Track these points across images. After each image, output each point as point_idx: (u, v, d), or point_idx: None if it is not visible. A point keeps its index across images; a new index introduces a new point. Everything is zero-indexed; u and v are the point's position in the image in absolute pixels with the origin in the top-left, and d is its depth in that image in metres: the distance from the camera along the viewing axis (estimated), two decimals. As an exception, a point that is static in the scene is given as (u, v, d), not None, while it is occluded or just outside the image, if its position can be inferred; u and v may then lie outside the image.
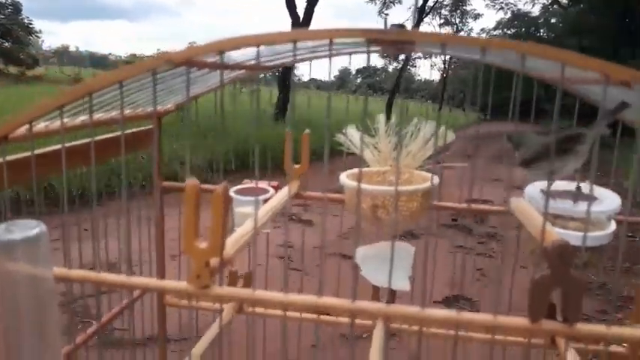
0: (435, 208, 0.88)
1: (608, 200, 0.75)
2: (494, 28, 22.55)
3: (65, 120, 0.69)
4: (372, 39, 0.52)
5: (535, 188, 0.83)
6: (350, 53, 0.65)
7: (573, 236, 0.57)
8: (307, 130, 0.91)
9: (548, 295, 0.51)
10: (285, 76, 8.68)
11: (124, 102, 0.71)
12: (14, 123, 0.64)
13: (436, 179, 0.79)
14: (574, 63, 0.50)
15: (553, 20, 20.36)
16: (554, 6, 20.20)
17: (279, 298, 0.59)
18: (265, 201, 0.87)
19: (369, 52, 0.53)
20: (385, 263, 0.73)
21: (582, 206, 0.75)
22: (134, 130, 1.01)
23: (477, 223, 3.25)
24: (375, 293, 0.88)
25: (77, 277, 0.61)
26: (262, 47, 0.54)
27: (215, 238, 0.57)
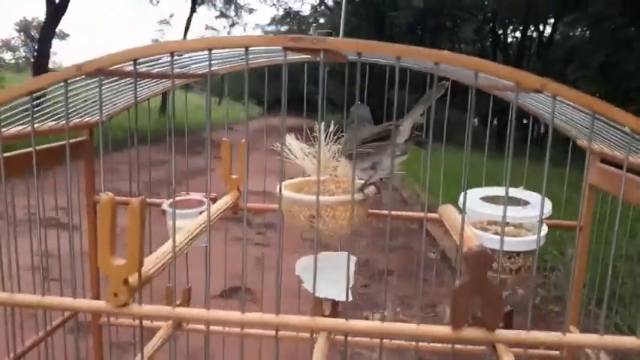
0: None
1: (539, 205, 0.76)
2: (269, 24, 22.79)
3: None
4: (288, 46, 0.52)
5: (472, 196, 0.83)
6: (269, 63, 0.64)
7: (500, 241, 0.57)
8: (244, 140, 0.90)
9: (469, 301, 0.51)
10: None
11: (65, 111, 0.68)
12: None
13: (372, 188, 0.79)
14: (487, 70, 0.50)
15: (322, 20, 20.25)
16: (322, 7, 20.61)
17: (203, 315, 0.57)
18: (201, 213, 0.85)
19: (285, 61, 0.52)
20: (325, 274, 0.72)
21: (514, 212, 0.77)
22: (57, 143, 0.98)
23: (254, 214, 3.30)
24: (318, 305, 0.87)
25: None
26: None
27: (132, 254, 0.54)
